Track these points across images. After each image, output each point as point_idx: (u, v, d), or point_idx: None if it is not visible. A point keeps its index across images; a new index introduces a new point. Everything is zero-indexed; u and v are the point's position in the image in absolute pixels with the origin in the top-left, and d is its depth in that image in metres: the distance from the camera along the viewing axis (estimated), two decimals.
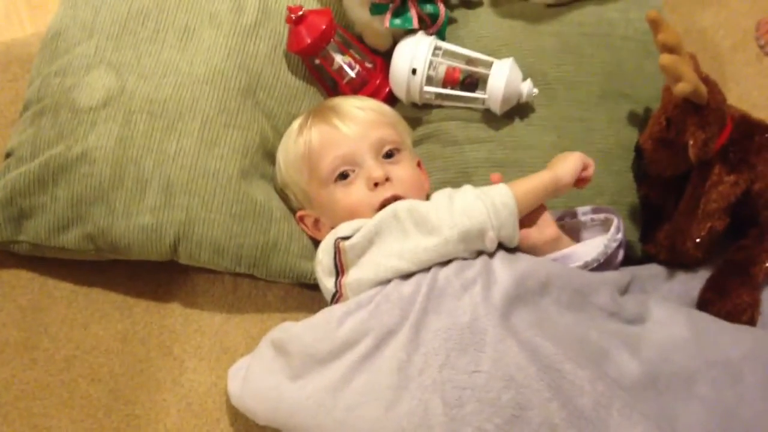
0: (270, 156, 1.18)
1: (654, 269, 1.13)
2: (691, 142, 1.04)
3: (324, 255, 1.03)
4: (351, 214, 1.06)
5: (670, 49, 1.04)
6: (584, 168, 1.05)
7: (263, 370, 1.00)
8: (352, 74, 1.22)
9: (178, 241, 1.09)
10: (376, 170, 1.07)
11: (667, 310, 1.01)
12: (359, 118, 1.11)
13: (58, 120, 1.13)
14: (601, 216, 1.09)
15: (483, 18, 1.27)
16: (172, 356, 1.12)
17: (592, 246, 1.05)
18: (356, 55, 1.23)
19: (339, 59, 1.21)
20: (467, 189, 0.99)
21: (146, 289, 1.16)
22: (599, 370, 0.89)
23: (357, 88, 1.23)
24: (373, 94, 1.23)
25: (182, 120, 1.12)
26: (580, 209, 1.11)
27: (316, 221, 1.13)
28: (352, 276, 0.99)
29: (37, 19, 1.45)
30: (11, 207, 1.12)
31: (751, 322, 1.07)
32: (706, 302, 1.09)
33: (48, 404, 1.08)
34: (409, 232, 0.96)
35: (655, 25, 1.05)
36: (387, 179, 1.07)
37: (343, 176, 1.08)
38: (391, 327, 0.93)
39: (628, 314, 0.99)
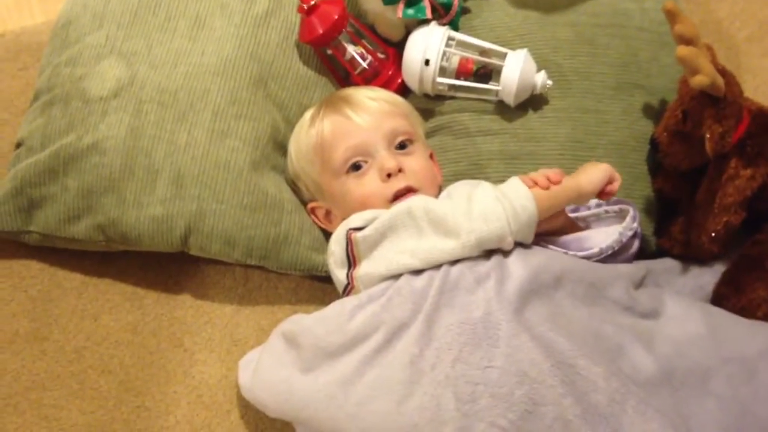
0: (281, 147, 1.17)
1: (668, 263, 1.12)
2: (707, 136, 1.03)
3: (336, 246, 1.02)
4: (363, 206, 1.05)
5: (687, 41, 1.03)
6: (610, 181, 1.02)
7: (274, 363, 1.00)
8: (365, 65, 1.21)
9: (189, 232, 1.09)
10: (389, 161, 1.06)
11: (682, 306, 1.00)
12: (372, 109, 1.10)
13: (68, 110, 1.13)
14: (616, 207, 1.08)
15: (497, 8, 1.26)
16: (182, 348, 1.12)
17: (607, 233, 1.04)
18: (369, 46, 1.22)
19: (351, 49, 1.21)
20: (486, 189, 0.97)
21: (157, 280, 1.16)
22: (614, 366, 0.89)
23: (369, 78, 1.22)
24: (386, 85, 1.22)
25: (193, 110, 1.12)
26: (594, 200, 1.10)
27: (328, 213, 1.12)
28: (363, 268, 0.99)
29: (48, 7, 1.44)
30: (21, 197, 1.11)
31: (766, 318, 1.06)
32: (720, 297, 1.08)
33: (58, 395, 1.09)
34: (425, 231, 0.95)
35: (672, 15, 1.04)
36: (400, 170, 1.06)
37: (356, 167, 1.07)
38: (404, 321, 0.92)
39: (642, 308, 0.98)
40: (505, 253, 0.95)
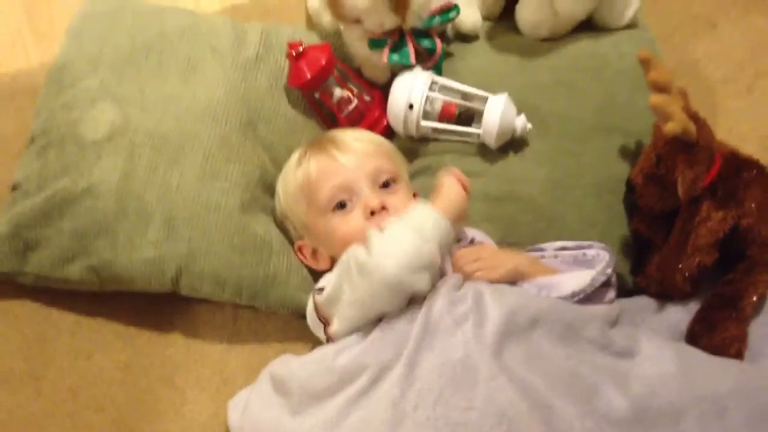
0: (269, 189, 1.20)
1: (644, 301, 1.15)
2: (680, 180, 1.07)
3: (308, 307, 1.07)
4: (348, 243, 1.07)
5: (660, 88, 1.07)
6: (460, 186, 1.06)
7: (263, 405, 1.02)
8: (351, 108, 1.25)
9: (180, 273, 1.12)
10: (373, 199, 1.09)
11: (656, 345, 1.03)
12: (356, 149, 1.14)
13: (63, 154, 1.16)
14: (594, 252, 1.11)
15: (479, 52, 1.31)
16: (173, 387, 1.14)
17: (579, 277, 1.07)
18: (355, 89, 1.26)
19: (338, 93, 1.25)
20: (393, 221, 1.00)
21: (148, 319, 1.18)
22: (588, 407, 0.92)
23: (355, 121, 1.26)
24: (371, 127, 1.26)
25: (184, 153, 1.15)
26: (559, 242, 1.14)
27: (314, 251, 1.15)
28: (335, 326, 1.02)
29: (43, 48, 1.46)
30: (17, 239, 1.14)
31: (739, 355, 1.08)
32: (694, 335, 1.11)
33: None
34: (354, 280, 0.97)
35: (646, 63, 1.08)
36: (383, 208, 1.10)
37: (341, 205, 1.10)
38: (386, 363, 0.95)
39: (617, 347, 1.01)
40: (482, 294, 0.98)
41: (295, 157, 1.18)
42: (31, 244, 1.14)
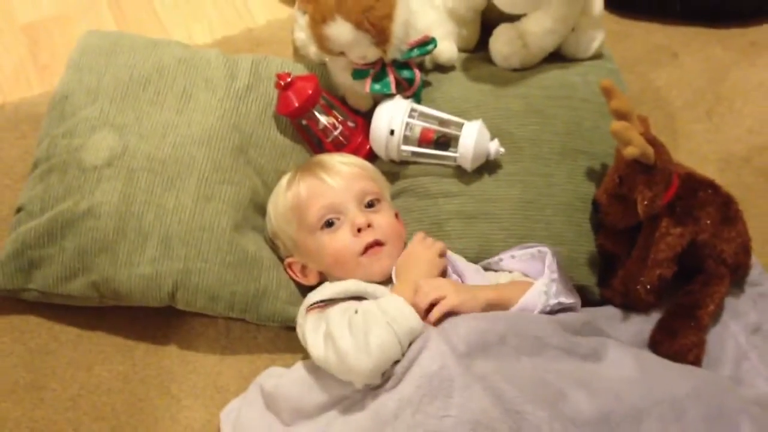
0: (260, 209, 1.27)
1: (610, 311, 1.22)
2: (639, 199, 1.15)
3: (298, 319, 1.13)
4: (336, 259, 1.16)
5: (621, 115, 1.15)
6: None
7: (255, 418, 1.09)
8: (336, 133, 1.32)
9: (176, 289, 1.17)
10: (360, 217, 1.16)
11: (619, 351, 1.09)
12: (343, 172, 1.21)
13: (65, 178, 1.22)
14: (534, 250, 1.19)
15: (455, 81, 1.37)
16: (169, 395, 1.19)
17: (534, 295, 1.12)
18: (339, 116, 1.33)
19: (324, 120, 1.31)
20: (376, 316, 1.03)
21: (146, 332, 1.23)
22: (556, 410, 0.97)
23: (340, 146, 1.33)
24: (355, 152, 1.33)
25: (180, 177, 1.21)
26: (505, 253, 1.22)
27: (303, 267, 1.22)
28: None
29: (45, 79, 1.53)
30: (22, 258, 1.20)
31: (697, 361, 1.16)
32: (655, 342, 1.18)
33: None
34: (333, 358, 1.03)
35: (608, 92, 1.16)
36: (369, 225, 1.17)
37: (329, 224, 1.17)
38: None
39: (583, 350, 1.07)
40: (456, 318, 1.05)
41: (285, 180, 1.25)
42: (35, 263, 1.20)
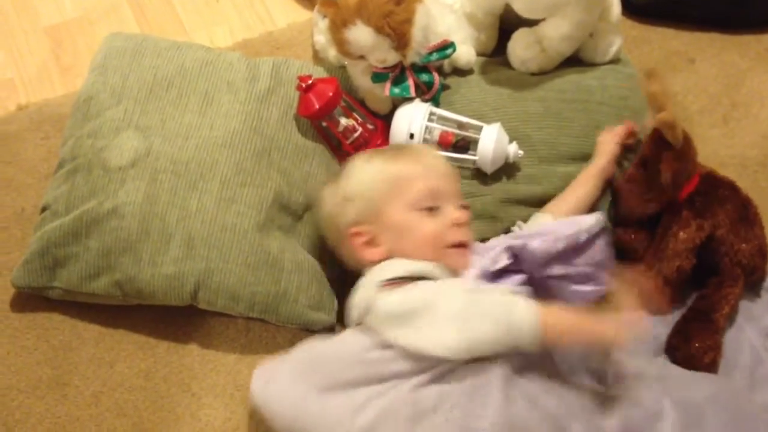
0: (285, 209, 1.26)
1: None
2: (663, 168, 1.16)
3: (360, 295, 1.10)
4: (426, 241, 1.13)
5: (657, 101, 1.17)
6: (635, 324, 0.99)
7: (290, 379, 1.05)
8: (356, 135, 1.33)
9: (198, 288, 1.19)
10: (463, 213, 1.16)
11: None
12: (450, 168, 1.21)
13: (90, 178, 1.24)
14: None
15: (473, 85, 1.39)
16: (190, 393, 1.21)
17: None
18: (359, 118, 1.35)
19: (344, 122, 1.33)
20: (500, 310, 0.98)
21: (167, 331, 1.25)
22: (591, 424, 0.99)
23: (360, 147, 1.34)
24: None
25: (203, 179, 1.23)
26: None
27: (372, 240, 1.15)
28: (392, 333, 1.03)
29: (68, 81, 1.56)
30: (47, 256, 1.22)
31: (713, 363, 1.17)
32: (672, 347, 1.19)
33: None
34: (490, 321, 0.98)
35: (652, 73, 1.21)
36: (465, 224, 1.16)
37: (429, 208, 1.14)
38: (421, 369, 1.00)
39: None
40: None
41: (389, 150, 1.23)
42: (60, 261, 1.22)
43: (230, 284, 1.19)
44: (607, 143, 1.30)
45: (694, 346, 1.17)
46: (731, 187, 1.25)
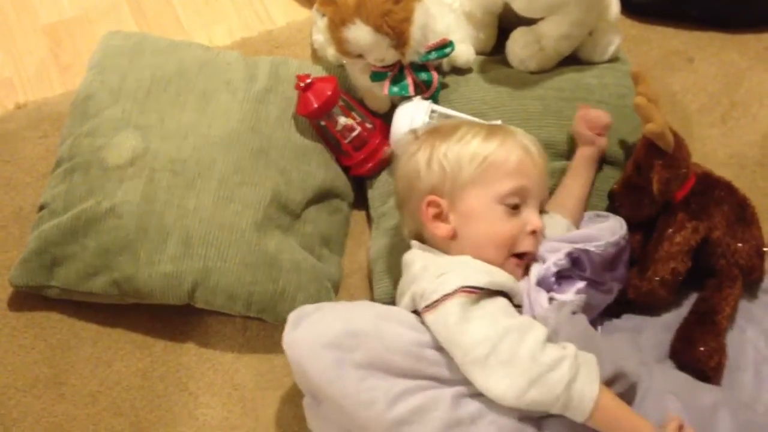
0: (284, 208, 1.26)
1: (631, 322, 1.22)
2: (655, 179, 1.16)
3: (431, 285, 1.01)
4: (491, 242, 1.07)
5: (647, 99, 1.17)
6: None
7: (329, 341, 0.97)
8: (354, 134, 1.33)
9: (196, 287, 1.19)
10: (539, 221, 1.09)
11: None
12: (544, 166, 1.14)
13: (88, 177, 1.25)
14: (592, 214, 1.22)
15: (472, 83, 1.39)
16: (187, 392, 1.21)
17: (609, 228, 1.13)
18: (358, 117, 1.34)
19: (342, 121, 1.33)
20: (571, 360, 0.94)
21: (164, 330, 1.26)
22: None
23: (358, 147, 1.34)
24: (373, 153, 1.34)
25: (201, 178, 1.23)
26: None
27: (442, 214, 1.09)
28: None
29: (66, 79, 1.56)
30: (44, 255, 1.22)
31: (719, 366, 1.15)
32: (677, 352, 1.18)
33: None
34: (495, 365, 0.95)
35: (637, 78, 1.19)
36: (539, 232, 1.10)
37: (512, 205, 1.08)
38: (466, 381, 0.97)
39: None
40: None
41: (498, 130, 1.14)
42: (57, 260, 1.22)
43: (228, 283, 1.19)
44: (579, 133, 1.28)
45: (699, 350, 1.16)
46: (728, 188, 1.24)
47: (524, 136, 1.15)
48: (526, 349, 0.93)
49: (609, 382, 0.97)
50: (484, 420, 0.94)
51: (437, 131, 1.15)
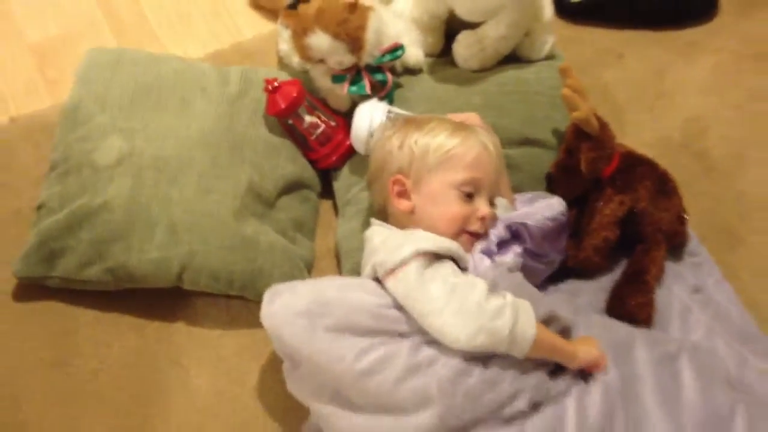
0: (258, 197, 1.39)
1: (570, 285, 1.36)
2: (583, 159, 1.31)
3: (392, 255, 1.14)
4: (445, 219, 1.21)
5: (574, 91, 1.33)
6: (596, 364, 1.14)
7: (301, 312, 1.10)
8: (319, 131, 1.47)
9: (183, 270, 1.31)
10: (488, 210, 1.23)
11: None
12: (497, 156, 1.28)
13: (81, 177, 1.36)
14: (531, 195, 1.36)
15: (423, 82, 1.54)
16: (179, 366, 1.32)
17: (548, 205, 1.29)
18: (322, 116, 1.48)
19: (308, 119, 1.47)
20: (511, 309, 1.08)
21: (156, 312, 1.36)
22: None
23: (323, 142, 1.48)
24: (337, 148, 1.48)
25: (182, 173, 1.36)
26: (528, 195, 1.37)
27: (404, 192, 1.24)
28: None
29: (54, 92, 1.67)
30: (44, 249, 1.33)
31: (649, 318, 1.28)
32: (610, 308, 1.32)
33: (80, 409, 1.28)
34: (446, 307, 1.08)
35: (564, 72, 1.34)
36: (489, 219, 1.23)
37: (467, 194, 1.22)
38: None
39: None
40: None
41: (454, 126, 1.26)
42: (56, 253, 1.33)
43: (211, 265, 1.31)
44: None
45: (630, 304, 1.29)
46: (649, 164, 1.39)
47: (485, 135, 1.28)
48: (473, 300, 1.08)
49: (544, 324, 1.13)
50: (438, 362, 1.08)
51: (413, 121, 1.30)
